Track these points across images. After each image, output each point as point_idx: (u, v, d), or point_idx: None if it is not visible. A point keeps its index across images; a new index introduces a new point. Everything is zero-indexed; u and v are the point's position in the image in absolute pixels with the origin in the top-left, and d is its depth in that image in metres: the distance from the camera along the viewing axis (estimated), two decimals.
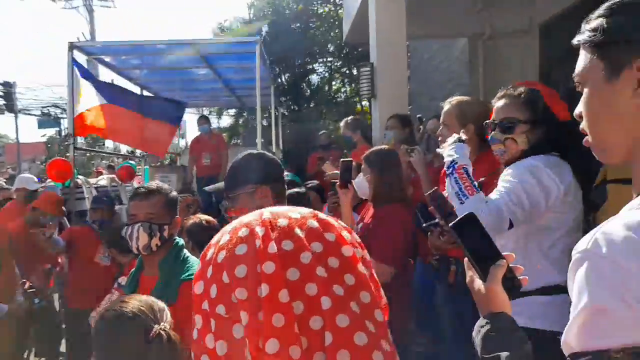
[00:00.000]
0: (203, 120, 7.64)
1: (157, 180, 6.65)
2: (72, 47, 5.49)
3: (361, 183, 2.56)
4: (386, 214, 2.39)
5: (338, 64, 14.76)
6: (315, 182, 4.25)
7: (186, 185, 6.97)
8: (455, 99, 2.39)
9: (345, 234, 0.64)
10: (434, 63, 8.19)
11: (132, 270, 2.17)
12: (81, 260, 3.69)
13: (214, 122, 15.01)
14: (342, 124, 4.33)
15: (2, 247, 3.51)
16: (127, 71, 7.27)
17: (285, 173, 4.74)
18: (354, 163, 3.06)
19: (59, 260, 4.13)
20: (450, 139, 1.90)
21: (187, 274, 1.97)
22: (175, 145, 12.42)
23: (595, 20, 0.79)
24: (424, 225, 2.11)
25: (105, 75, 7.90)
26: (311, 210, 0.66)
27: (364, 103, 12.37)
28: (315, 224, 0.62)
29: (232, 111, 16.08)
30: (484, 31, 6.28)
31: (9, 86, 22.30)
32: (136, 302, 1.22)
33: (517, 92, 1.84)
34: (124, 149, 13.37)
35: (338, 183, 2.60)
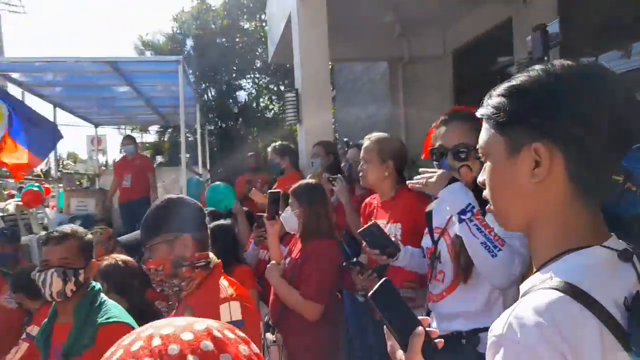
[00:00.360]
0: (128, 140, 7.02)
1: (73, 206, 6.32)
2: None
3: (289, 218, 2.51)
4: (314, 249, 2.37)
5: (266, 81, 14.80)
6: (245, 208, 4.19)
7: (106, 211, 6.58)
8: (374, 135, 2.47)
9: (242, 348, 0.62)
10: (357, 84, 8.48)
11: (45, 321, 2.05)
12: None
13: (137, 138, 14.36)
14: (270, 148, 4.29)
15: None
16: (38, 88, 6.77)
17: (218, 183, 4.62)
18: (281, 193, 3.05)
19: None
20: (434, 177, 1.66)
21: (104, 317, 1.91)
22: (93, 163, 11.72)
23: (497, 98, 0.81)
24: (344, 264, 2.15)
25: (12, 90, 7.21)
26: (206, 325, 0.63)
27: None
28: (209, 345, 0.59)
29: (155, 126, 15.53)
30: (402, 56, 6.64)
31: None
32: None
33: (465, 117, 1.74)
34: (37, 169, 12.33)
35: (265, 215, 2.55)
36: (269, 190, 2.63)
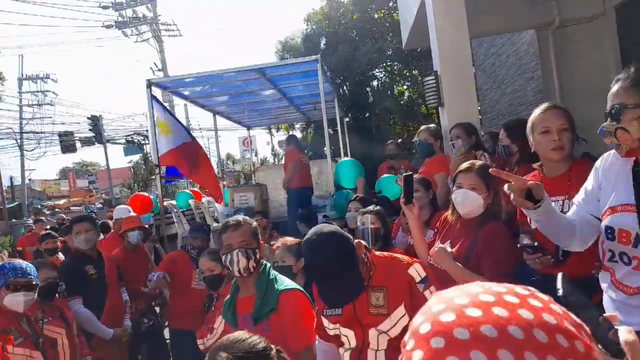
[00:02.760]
0: (283, 141, 7.82)
1: (236, 200, 7.09)
2: (149, 84, 5.94)
3: (474, 199, 2.28)
4: (497, 232, 2.24)
5: (398, 67, 14.64)
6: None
7: (264, 203, 7.24)
8: (552, 103, 2.24)
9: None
10: (501, 58, 7.90)
11: (227, 297, 2.37)
12: (180, 284, 3.98)
13: (283, 136, 15.44)
14: (422, 129, 4.18)
15: (111, 275, 3.91)
16: (200, 100, 7.73)
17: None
18: (416, 175, 2.96)
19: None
20: None
21: (282, 286, 2.21)
22: (247, 162, 12.96)
23: None
24: (519, 245, 1.99)
25: (178, 102, 8.27)
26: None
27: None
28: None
29: (300, 123, 16.48)
30: (552, 20, 5.99)
31: (96, 120, 24.50)
32: (255, 337, 1.38)
33: (627, 74, 1.57)
34: None
35: (402, 200, 2.46)
36: (403, 175, 2.50)
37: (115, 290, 3.93)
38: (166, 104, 6.96)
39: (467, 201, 2.30)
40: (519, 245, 1.99)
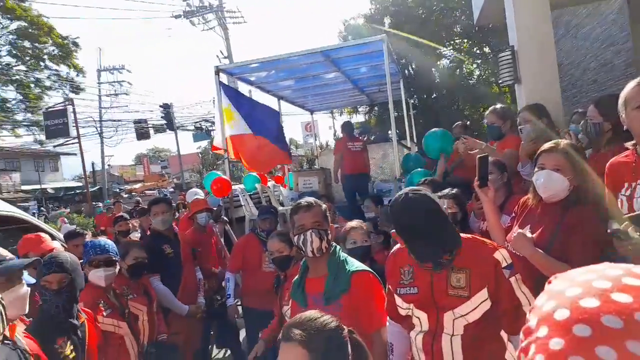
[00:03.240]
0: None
1: (300, 185, 7.15)
2: (217, 71, 6.11)
3: (558, 181, 2.11)
4: (585, 216, 2.06)
5: (468, 44, 13.94)
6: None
7: (327, 187, 7.25)
8: None
9: None
10: (583, 30, 7.26)
11: (296, 277, 2.37)
12: (250, 266, 4.11)
13: (341, 120, 15.35)
14: (489, 111, 3.98)
15: (186, 254, 4.08)
16: (265, 85, 7.81)
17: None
18: (491, 158, 2.80)
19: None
20: None
21: (354, 267, 2.20)
22: (309, 147, 13.03)
23: None
24: (608, 231, 1.83)
25: (243, 88, 8.36)
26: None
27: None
28: None
29: (363, 107, 16.28)
30: None
31: (167, 107, 25.75)
32: (327, 317, 1.38)
33: None
34: None
35: (477, 183, 2.35)
36: (478, 156, 2.39)
37: (190, 269, 4.10)
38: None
39: (550, 183, 2.12)
40: (608, 231, 1.80)
